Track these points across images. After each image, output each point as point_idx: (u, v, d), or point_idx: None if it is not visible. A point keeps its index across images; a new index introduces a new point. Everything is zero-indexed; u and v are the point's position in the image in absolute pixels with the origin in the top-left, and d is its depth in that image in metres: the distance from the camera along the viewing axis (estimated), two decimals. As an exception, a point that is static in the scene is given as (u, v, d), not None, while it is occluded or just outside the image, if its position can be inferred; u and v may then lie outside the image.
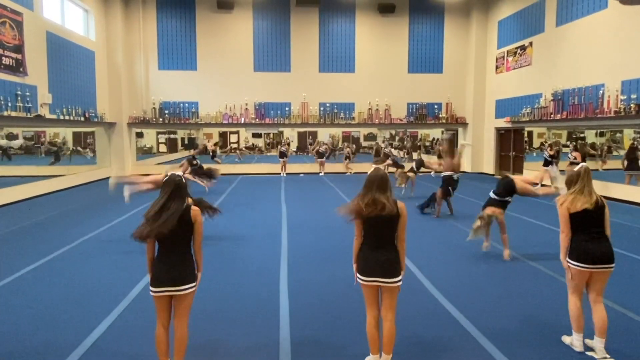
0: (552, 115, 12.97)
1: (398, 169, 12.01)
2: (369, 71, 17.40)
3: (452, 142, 13.89)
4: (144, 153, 19.91)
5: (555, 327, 3.71)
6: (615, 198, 10.11)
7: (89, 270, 5.31)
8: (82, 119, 13.86)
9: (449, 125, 18.01)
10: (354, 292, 4.51)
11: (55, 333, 3.61)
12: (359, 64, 17.43)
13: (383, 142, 22.24)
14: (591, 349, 3.25)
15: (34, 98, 11.53)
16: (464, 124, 17.70)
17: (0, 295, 4.45)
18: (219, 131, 28.08)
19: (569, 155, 10.72)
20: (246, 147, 25.56)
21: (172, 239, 2.78)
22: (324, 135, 23.56)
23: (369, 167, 3.71)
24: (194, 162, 11.30)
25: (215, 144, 18.26)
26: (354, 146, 26.14)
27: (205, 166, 11.09)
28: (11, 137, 16.49)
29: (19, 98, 10.81)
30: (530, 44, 14.45)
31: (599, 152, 13.15)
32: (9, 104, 10.48)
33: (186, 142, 28.59)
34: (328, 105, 17.28)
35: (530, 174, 12.67)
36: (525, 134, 15.29)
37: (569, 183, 3.28)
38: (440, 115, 17.70)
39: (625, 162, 11.14)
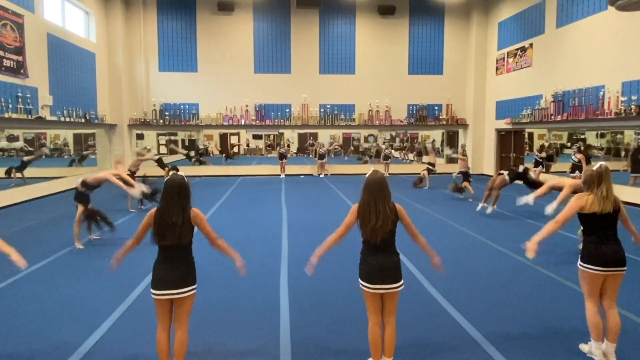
0: (552, 117, 12.96)
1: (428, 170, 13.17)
2: (370, 73, 17.41)
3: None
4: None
5: (558, 330, 3.70)
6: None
7: (89, 271, 5.30)
8: (83, 120, 13.87)
9: (450, 126, 18.01)
10: (355, 293, 4.50)
11: (56, 335, 3.61)
12: (359, 66, 17.44)
13: (383, 143, 22.25)
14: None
15: (35, 100, 11.54)
16: (465, 125, 17.70)
17: (2, 297, 4.45)
18: (219, 133, 28.17)
19: (572, 157, 10.67)
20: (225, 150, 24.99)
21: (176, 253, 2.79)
22: (324, 136, 23.54)
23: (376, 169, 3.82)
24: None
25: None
26: (340, 143, 26.01)
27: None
28: (12, 139, 16.51)
29: (19, 100, 10.83)
30: (531, 45, 14.45)
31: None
32: (10, 106, 10.49)
33: (187, 143, 28.62)
34: (328, 106, 17.29)
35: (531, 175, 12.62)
36: (526, 136, 15.29)
37: (589, 183, 3.08)
38: (440, 117, 17.70)
39: (630, 164, 11.14)
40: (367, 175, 2.94)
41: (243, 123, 16.98)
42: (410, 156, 23.00)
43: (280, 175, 16.76)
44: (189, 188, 2.86)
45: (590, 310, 3.12)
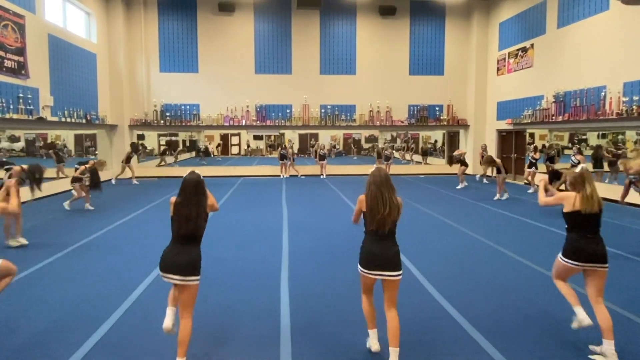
0: (553, 117, 12.94)
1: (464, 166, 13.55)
2: (370, 73, 17.41)
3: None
4: (145, 155, 19.94)
5: (560, 331, 3.68)
6: (631, 203, 9.72)
7: (89, 272, 5.30)
8: (84, 121, 13.89)
9: (451, 127, 17.99)
10: (356, 294, 4.49)
11: (57, 333, 3.60)
12: (360, 66, 17.44)
13: (384, 143, 22.25)
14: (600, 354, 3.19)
15: (36, 100, 11.56)
16: (466, 126, 17.68)
17: (8, 294, 4.45)
18: (220, 133, 28.20)
19: (572, 159, 10.70)
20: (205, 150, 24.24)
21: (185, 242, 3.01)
22: (325, 137, 23.54)
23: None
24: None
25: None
26: (325, 145, 26.00)
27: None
28: (13, 139, 16.55)
29: (20, 100, 10.84)
30: (532, 45, 14.44)
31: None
32: (11, 107, 10.50)
33: (187, 144, 28.65)
34: (329, 107, 17.29)
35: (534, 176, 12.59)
36: (528, 136, 15.25)
37: (575, 184, 3.29)
38: (441, 117, 17.69)
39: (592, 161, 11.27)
40: (371, 172, 3.11)
41: (244, 124, 16.99)
42: (407, 156, 23.00)
43: (280, 175, 16.74)
44: (204, 185, 3.07)
45: (561, 284, 3.43)
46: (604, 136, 14.94)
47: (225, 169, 18.08)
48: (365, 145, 28.70)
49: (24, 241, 6.39)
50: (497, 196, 10.85)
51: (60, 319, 3.93)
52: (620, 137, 14.81)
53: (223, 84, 16.85)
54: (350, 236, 7.01)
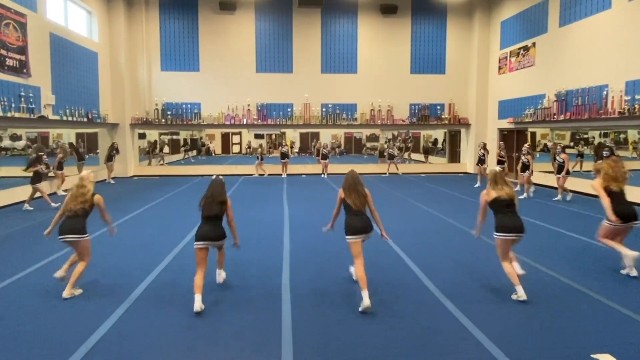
0: (555, 116, 12.91)
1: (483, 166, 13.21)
2: (371, 72, 17.38)
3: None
4: (146, 154, 19.96)
5: (561, 330, 3.68)
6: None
7: (89, 271, 5.31)
8: (85, 120, 13.90)
9: (452, 126, 17.97)
10: (357, 292, 4.50)
11: (59, 332, 3.61)
12: (361, 65, 17.41)
13: (386, 142, 22.21)
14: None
15: (37, 99, 11.57)
16: (467, 125, 17.65)
17: (5, 294, 4.46)
18: (221, 132, 28.21)
19: (557, 158, 10.56)
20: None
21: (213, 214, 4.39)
22: (326, 136, 23.51)
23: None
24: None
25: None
26: (297, 144, 26.02)
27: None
28: (15, 138, 16.57)
29: (22, 99, 10.85)
30: (534, 44, 14.40)
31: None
32: (13, 105, 10.51)
33: (189, 142, 28.65)
34: (330, 106, 17.28)
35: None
36: (529, 135, 15.22)
37: (491, 181, 4.48)
38: (442, 116, 17.66)
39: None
40: (348, 173, 4.45)
41: (245, 122, 16.98)
42: (405, 155, 22.98)
43: (282, 175, 16.75)
44: (225, 185, 4.61)
45: (506, 266, 4.40)
46: (605, 135, 14.90)
47: (226, 168, 18.07)
48: (368, 144, 28.66)
49: None
50: (525, 194, 10.90)
51: (62, 314, 3.94)
52: (622, 136, 14.78)
53: (224, 82, 16.84)
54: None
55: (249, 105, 16.89)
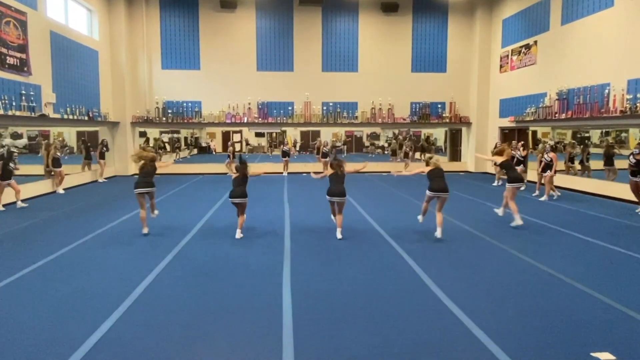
0: (557, 115, 12.87)
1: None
2: (372, 70, 17.35)
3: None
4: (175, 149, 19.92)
5: (563, 329, 3.67)
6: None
7: (90, 270, 5.31)
8: (86, 118, 13.89)
9: (453, 124, 17.93)
10: (358, 290, 4.49)
11: (61, 329, 3.61)
12: (362, 63, 17.38)
13: (396, 139, 22.01)
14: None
15: (38, 97, 11.56)
16: (468, 124, 17.61)
17: (6, 292, 4.46)
18: (222, 130, 28.20)
19: (545, 156, 10.48)
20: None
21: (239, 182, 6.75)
22: (327, 134, 23.46)
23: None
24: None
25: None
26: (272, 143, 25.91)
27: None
28: (15, 136, 16.57)
29: (23, 97, 10.85)
30: (535, 42, 14.35)
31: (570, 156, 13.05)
32: (14, 103, 10.51)
33: (189, 141, 28.61)
34: (331, 104, 17.25)
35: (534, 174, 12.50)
36: (530, 134, 15.18)
37: (427, 162, 6.96)
38: (443, 115, 17.62)
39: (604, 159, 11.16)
40: (333, 159, 6.80)
41: (245, 121, 16.96)
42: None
43: (282, 173, 16.74)
44: (247, 164, 6.79)
45: (424, 206, 7.01)
46: (607, 134, 14.86)
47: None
48: (376, 142, 28.56)
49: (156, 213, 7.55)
50: (545, 197, 10.42)
51: (63, 314, 3.94)
52: (623, 134, 14.74)
53: (225, 81, 16.82)
54: (352, 234, 7.00)
55: (249, 103, 16.87)
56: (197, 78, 16.78)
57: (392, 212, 9.05)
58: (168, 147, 23.21)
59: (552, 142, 12.23)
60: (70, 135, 17.83)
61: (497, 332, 3.59)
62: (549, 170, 10.24)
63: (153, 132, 20.74)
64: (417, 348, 3.35)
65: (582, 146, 13.56)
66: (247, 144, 27.74)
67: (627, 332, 3.59)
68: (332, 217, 7.12)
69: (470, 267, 5.40)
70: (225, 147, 29.33)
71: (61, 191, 11.81)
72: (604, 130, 13.99)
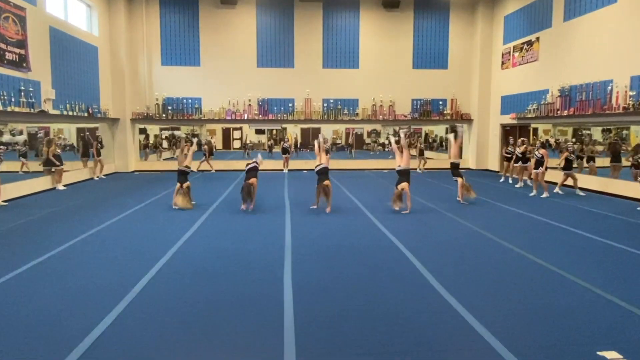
0: (558, 112, 12.81)
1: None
2: (373, 67, 17.28)
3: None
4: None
5: (565, 327, 3.64)
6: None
7: (90, 267, 5.27)
8: (86, 114, 13.84)
9: (454, 121, 17.87)
10: (358, 288, 4.46)
11: (60, 327, 3.57)
12: (363, 60, 17.30)
13: (397, 135, 21.93)
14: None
15: (38, 93, 11.50)
16: (469, 120, 17.56)
17: (4, 289, 4.43)
18: (222, 127, 28.10)
19: (536, 153, 10.61)
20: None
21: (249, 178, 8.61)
22: (328, 131, 23.41)
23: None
24: None
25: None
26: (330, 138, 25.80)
27: None
28: (15, 132, 16.51)
29: (22, 93, 10.79)
30: (537, 39, 14.27)
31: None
32: (13, 100, 10.45)
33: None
34: (332, 101, 17.19)
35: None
36: (531, 131, 15.13)
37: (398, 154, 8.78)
38: (445, 112, 17.57)
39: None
40: (319, 164, 8.80)
41: (246, 117, 16.91)
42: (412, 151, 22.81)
43: (283, 170, 16.70)
44: (258, 166, 8.98)
45: (395, 192, 8.50)
46: (608, 131, 14.79)
47: (227, 163, 18.02)
48: (368, 140, 28.50)
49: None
50: (545, 194, 10.44)
51: (62, 310, 3.91)
52: (624, 132, 14.67)
53: (225, 77, 16.75)
54: (353, 230, 6.97)
55: (250, 100, 16.81)
56: (197, 74, 16.71)
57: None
58: (165, 144, 23.13)
59: (542, 140, 12.37)
60: (70, 132, 17.77)
61: (501, 329, 3.56)
62: (540, 167, 10.42)
63: (153, 129, 20.67)
64: (419, 347, 3.31)
65: (578, 143, 13.54)
66: (245, 147, 26.99)
67: (634, 330, 3.56)
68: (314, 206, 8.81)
69: (474, 264, 5.36)
70: (226, 144, 29.28)
71: (61, 188, 11.77)
72: (603, 128, 13.94)
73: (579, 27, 12.33)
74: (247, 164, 9.02)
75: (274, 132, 29.42)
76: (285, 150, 16.74)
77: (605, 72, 11.20)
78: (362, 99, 17.30)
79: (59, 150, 11.96)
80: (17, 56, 10.67)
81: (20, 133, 15.67)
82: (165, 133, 24.07)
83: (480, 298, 4.25)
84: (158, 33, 16.57)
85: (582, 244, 6.31)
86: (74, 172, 13.54)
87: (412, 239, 6.52)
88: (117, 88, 15.97)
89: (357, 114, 17.32)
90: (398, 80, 17.31)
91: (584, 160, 12.79)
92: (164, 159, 19.94)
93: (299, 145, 24.76)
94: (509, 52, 15.92)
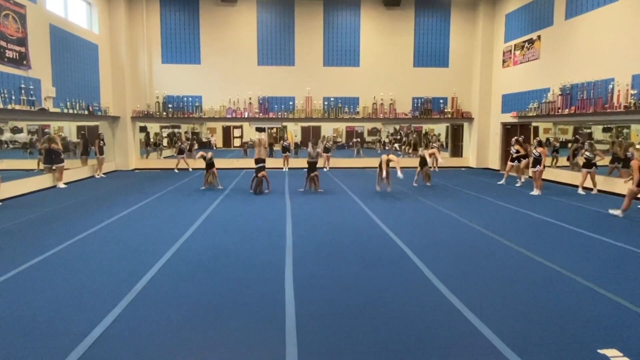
0: (559, 110, 12.80)
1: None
2: (374, 65, 17.25)
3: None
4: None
5: (568, 326, 3.63)
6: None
7: (92, 264, 5.27)
8: (86, 112, 13.83)
9: (455, 120, 17.86)
10: (359, 287, 4.46)
11: (61, 325, 3.58)
12: (364, 58, 17.27)
13: (397, 135, 21.91)
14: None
15: (38, 91, 11.49)
16: (470, 119, 17.54)
17: (7, 287, 4.43)
18: (222, 125, 28.07)
19: (534, 152, 10.72)
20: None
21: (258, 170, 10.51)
22: (328, 130, 23.41)
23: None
24: None
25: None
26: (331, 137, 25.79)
27: None
28: (15, 130, 16.50)
29: (22, 91, 10.78)
30: (539, 37, 14.24)
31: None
32: (13, 97, 10.44)
33: (190, 136, 28.43)
34: (332, 99, 17.17)
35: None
36: (532, 129, 15.09)
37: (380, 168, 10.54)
38: (445, 110, 17.54)
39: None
40: (309, 151, 10.80)
41: (246, 116, 16.89)
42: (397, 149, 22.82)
43: (283, 168, 16.69)
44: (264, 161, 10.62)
45: (378, 176, 10.70)
46: (608, 130, 14.78)
47: (227, 162, 18.01)
48: (368, 139, 28.47)
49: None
50: (537, 191, 10.64)
51: (64, 308, 3.91)
52: (625, 130, 14.66)
53: (225, 75, 16.73)
54: (354, 229, 6.97)
55: (250, 98, 16.79)
56: (197, 72, 16.69)
57: (393, 209, 8.99)
58: (165, 142, 23.10)
59: (539, 138, 12.51)
60: (70, 129, 17.76)
61: (503, 328, 3.56)
62: (538, 165, 10.54)
63: (154, 127, 20.64)
64: (423, 343, 3.31)
65: (573, 143, 13.53)
66: (243, 146, 26.76)
67: (635, 329, 3.56)
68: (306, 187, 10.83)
69: (476, 263, 5.36)
70: (226, 143, 29.22)
71: (62, 185, 11.77)
72: (603, 126, 13.91)
73: (580, 25, 12.30)
74: (256, 160, 10.73)
75: (274, 130, 29.32)
76: (285, 149, 16.73)
77: (606, 70, 11.18)
78: (363, 97, 17.28)
79: (60, 148, 11.96)
80: (17, 54, 10.66)
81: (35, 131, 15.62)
82: (166, 131, 24.00)
83: (481, 296, 4.24)
84: (158, 31, 16.54)
85: (584, 242, 6.30)
86: (75, 170, 13.55)
87: (414, 236, 6.51)
88: (118, 86, 15.95)
89: (358, 112, 17.30)
90: (399, 79, 17.28)
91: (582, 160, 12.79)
92: (164, 157, 19.93)
93: (299, 144, 24.74)
94: (510, 51, 15.89)
